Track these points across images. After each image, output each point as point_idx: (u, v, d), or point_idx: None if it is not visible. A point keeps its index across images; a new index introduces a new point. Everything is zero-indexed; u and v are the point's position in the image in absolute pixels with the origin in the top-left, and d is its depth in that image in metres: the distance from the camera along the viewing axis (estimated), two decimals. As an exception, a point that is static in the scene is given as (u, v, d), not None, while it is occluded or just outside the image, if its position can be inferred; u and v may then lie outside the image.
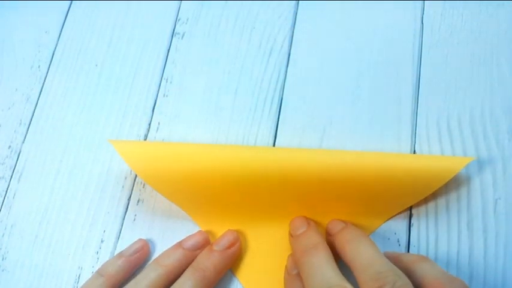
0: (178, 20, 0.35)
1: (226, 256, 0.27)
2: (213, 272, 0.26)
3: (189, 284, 0.26)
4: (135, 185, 0.31)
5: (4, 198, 0.32)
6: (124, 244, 0.29)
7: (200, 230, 0.29)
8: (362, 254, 0.24)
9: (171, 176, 0.28)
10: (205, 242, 0.28)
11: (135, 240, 0.29)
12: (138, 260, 0.28)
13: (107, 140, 0.32)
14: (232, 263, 0.28)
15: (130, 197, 0.31)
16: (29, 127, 0.34)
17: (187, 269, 0.27)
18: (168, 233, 0.29)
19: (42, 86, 0.35)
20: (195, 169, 0.28)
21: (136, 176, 0.31)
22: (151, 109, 0.33)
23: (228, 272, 0.28)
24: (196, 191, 0.28)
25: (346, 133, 0.30)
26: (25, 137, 0.34)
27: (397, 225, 0.28)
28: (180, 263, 0.27)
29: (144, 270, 0.27)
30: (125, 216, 0.30)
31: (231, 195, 0.28)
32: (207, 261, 0.27)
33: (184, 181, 0.28)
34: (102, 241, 0.30)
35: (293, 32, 0.33)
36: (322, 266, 0.24)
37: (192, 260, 0.27)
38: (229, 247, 0.27)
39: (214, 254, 0.27)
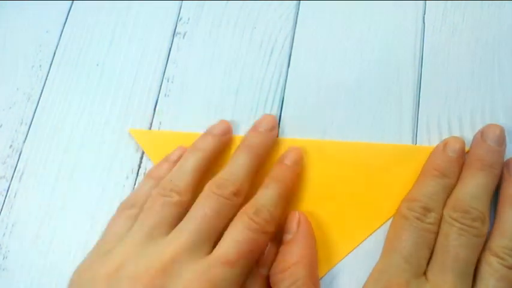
0: (180, 19, 0.35)
1: (296, 170, 0.28)
2: (290, 184, 0.27)
3: (274, 192, 0.26)
4: (136, 184, 0.31)
5: (5, 197, 0.32)
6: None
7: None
8: None
9: None
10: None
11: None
12: (227, 141, 0.30)
13: (127, 130, 0.32)
14: (299, 180, 0.29)
15: (131, 196, 0.31)
16: (30, 126, 0.34)
17: (266, 180, 0.27)
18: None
19: (44, 86, 0.35)
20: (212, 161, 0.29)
21: (137, 176, 0.31)
22: (153, 109, 0.33)
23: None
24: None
25: (348, 133, 0.30)
26: (26, 137, 0.34)
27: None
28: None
29: (182, 158, 0.29)
30: (125, 216, 0.30)
31: None
32: (284, 174, 0.27)
33: None
34: (103, 240, 0.30)
35: (294, 32, 0.33)
36: None
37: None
38: (297, 163, 0.28)
39: (288, 168, 0.28)
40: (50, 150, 0.33)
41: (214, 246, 0.25)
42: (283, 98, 0.32)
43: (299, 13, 0.34)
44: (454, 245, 0.24)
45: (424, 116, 0.30)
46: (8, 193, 0.32)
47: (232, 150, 0.30)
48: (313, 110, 0.31)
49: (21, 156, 0.33)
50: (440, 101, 0.30)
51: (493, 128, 0.27)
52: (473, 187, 0.25)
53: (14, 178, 0.33)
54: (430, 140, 0.29)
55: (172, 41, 0.35)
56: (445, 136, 0.29)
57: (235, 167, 0.27)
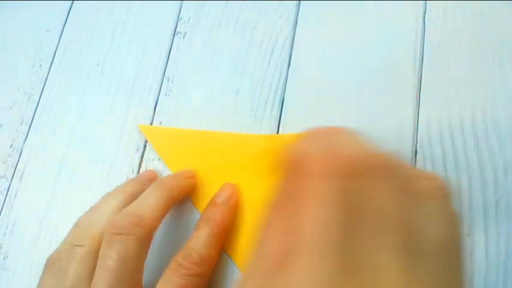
0: (180, 19, 0.35)
1: (229, 207, 0.28)
2: (222, 222, 0.27)
3: (204, 234, 0.26)
4: (136, 184, 0.31)
5: (6, 197, 0.32)
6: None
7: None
8: None
9: (194, 165, 0.30)
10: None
11: (146, 171, 0.31)
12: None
13: (137, 126, 0.32)
14: (234, 214, 0.28)
15: (131, 196, 0.31)
16: (30, 126, 0.34)
17: (198, 222, 0.27)
18: (170, 233, 0.29)
19: (44, 85, 0.35)
20: (221, 160, 0.30)
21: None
22: (153, 108, 0.33)
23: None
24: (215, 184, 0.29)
25: (348, 133, 0.30)
26: (27, 136, 0.34)
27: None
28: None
29: (103, 199, 0.28)
30: (126, 216, 0.30)
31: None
32: (215, 213, 0.27)
33: (206, 171, 0.30)
34: (103, 240, 0.30)
35: (294, 32, 0.33)
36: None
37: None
38: (229, 199, 0.28)
39: (219, 207, 0.28)
40: (51, 149, 0.33)
41: (140, 280, 0.25)
42: (283, 97, 0.32)
43: (299, 13, 0.34)
44: None
45: (424, 115, 0.30)
46: (9, 193, 0.32)
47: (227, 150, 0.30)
48: (314, 109, 0.31)
49: (21, 156, 0.33)
50: (441, 101, 0.30)
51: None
52: None
53: (14, 178, 0.33)
54: (430, 139, 0.29)
55: (173, 40, 0.35)
56: (446, 135, 0.29)
57: (139, 201, 0.27)
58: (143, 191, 0.28)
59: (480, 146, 0.29)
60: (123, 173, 0.31)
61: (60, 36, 0.36)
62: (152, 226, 0.26)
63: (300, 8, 0.34)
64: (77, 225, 0.28)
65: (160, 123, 0.32)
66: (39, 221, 0.31)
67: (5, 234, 0.31)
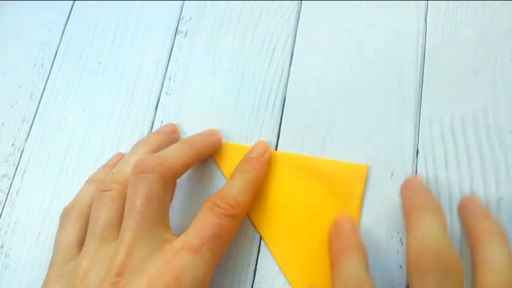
0: (182, 18, 0.35)
1: (263, 161, 0.29)
2: (255, 175, 0.28)
3: (239, 182, 0.27)
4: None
5: (7, 195, 0.32)
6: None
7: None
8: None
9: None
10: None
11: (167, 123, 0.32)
12: (174, 140, 0.30)
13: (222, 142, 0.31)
14: (267, 169, 0.29)
15: (133, 195, 0.31)
16: (32, 125, 0.34)
17: (233, 173, 0.28)
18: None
19: (46, 84, 0.35)
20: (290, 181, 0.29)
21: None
22: (154, 107, 0.33)
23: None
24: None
25: (349, 132, 0.30)
26: (28, 135, 0.34)
27: (400, 224, 0.28)
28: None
29: (130, 150, 0.29)
30: (127, 214, 0.30)
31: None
32: (249, 167, 0.28)
33: (273, 192, 0.29)
34: (104, 239, 0.30)
35: (296, 31, 0.33)
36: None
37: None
38: (263, 154, 0.29)
39: (253, 161, 0.28)
40: (52, 148, 0.33)
41: (167, 220, 0.25)
42: (284, 96, 0.32)
43: (301, 12, 0.34)
44: None
45: (426, 115, 0.30)
46: (10, 191, 0.32)
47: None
48: (315, 109, 0.31)
49: (23, 155, 0.33)
50: (442, 101, 0.30)
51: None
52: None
53: (16, 176, 0.33)
54: (432, 139, 0.29)
55: (174, 39, 0.35)
56: (447, 135, 0.29)
57: (164, 149, 0.27)
58: (166, 141, 0.29)
59: (482, 145, 0.29)
60: (124, 171, 0.31)
61: (62, 35, 0.36)
62: (175, 169, 0.26)
63: (302, 7, 0.34)
64: (91, 180, 0.30)
65: (161, 122, 0.32)
66: (41, 219, 0.31)
67: (6, 232, 0.31)
